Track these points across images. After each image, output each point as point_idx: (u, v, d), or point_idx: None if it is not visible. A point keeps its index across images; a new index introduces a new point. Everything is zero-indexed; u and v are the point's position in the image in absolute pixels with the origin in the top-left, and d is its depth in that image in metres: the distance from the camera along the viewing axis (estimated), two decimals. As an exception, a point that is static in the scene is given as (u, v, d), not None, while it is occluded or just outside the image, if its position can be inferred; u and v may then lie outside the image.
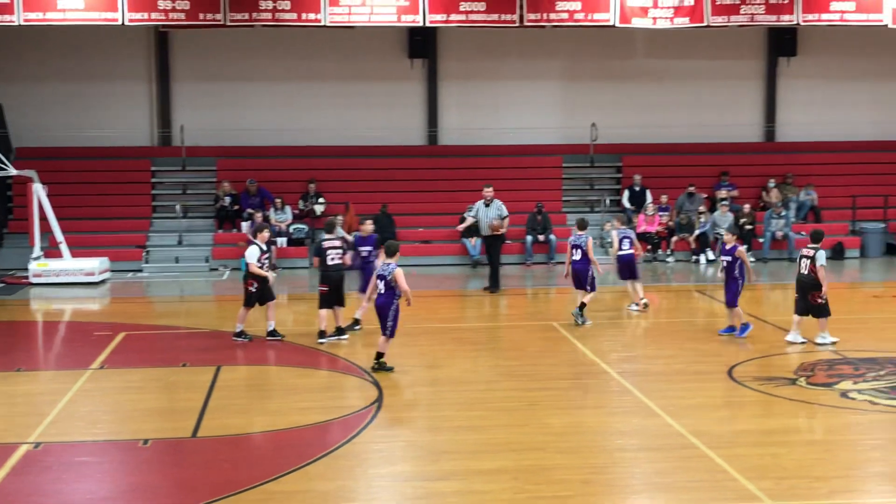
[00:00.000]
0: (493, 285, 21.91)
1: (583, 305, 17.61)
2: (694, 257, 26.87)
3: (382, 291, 14.09)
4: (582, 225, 18.18)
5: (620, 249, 18.90)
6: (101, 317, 20.60)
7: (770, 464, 10.22)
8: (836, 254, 27.14)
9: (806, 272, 15.68)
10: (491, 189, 22.35)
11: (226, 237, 26.71)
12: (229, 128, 28.90)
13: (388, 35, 29.20)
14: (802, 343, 15.75)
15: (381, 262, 14.90)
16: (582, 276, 17.88)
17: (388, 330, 14.12)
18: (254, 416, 12.20)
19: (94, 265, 23.68)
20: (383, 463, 10.49)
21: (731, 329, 16.46)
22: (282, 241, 26.00)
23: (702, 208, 27.47)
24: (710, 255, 26.72)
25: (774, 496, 9.28)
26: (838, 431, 11.66)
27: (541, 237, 26.75)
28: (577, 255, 17.91)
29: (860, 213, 28.46)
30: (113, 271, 24.60)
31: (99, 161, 28.34)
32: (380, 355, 14.23)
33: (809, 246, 15.76)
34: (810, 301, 15.67)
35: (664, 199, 27.81)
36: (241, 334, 16.39)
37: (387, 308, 14.08)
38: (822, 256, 15.54)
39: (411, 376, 14.22)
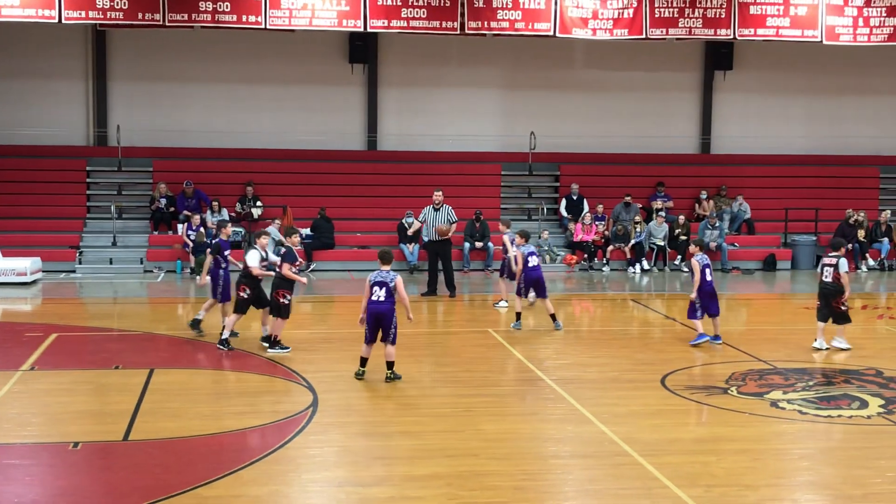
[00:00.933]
0: (450, 288, 22.16)
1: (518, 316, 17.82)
2: (629, 267, 27.13)
3: (383, 299, 13.70)
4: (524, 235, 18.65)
5: (526, 265, 18.63)
6: (33, 317, 20.30)
7: (700, 472, 10.33)
8: (768, 265, 27.56)
9: (830, 280, 16.33)
10: (440, 194, 22.50)
11: (161, 239, 26.47)
12: (166, 128, 28.67)
13: (328, 39, 29.16)
14: (826, 349, 16.32)
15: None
16: (533, 285, 18.46)
17: (392, 337, 13.79)
18: (187, 419, 12.09)
19: (26, 265, 23.34)
20: (317, 468, 10.45)
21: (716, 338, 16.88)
22: (218, 244, 25.77)
23: (637, 218, 27.75)
24: (645, 265, 27.00)
25: (704, 504, 9.39)
26: (768, 440, 11.83)
27: (478, 244, 26.85)
28: (534, 262, 18.51)
29: (792, 225, 28.91)
30: (45, 272, 24.27)
31: (33, 160, 27.98)
32: (391, 364, 13.89)
33: (831, 255, 16.46)
34: (834, 308, 16.28)
35: (600, 208, 28.04)
36: (225, 342, 15.85)
37: (390, 315, 13.69)
38: (844, 264, 16.24)
39: (347, 381, 14.18)
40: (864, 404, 13.07)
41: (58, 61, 28.64)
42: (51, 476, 10.24)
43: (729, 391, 13.74)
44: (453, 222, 22.30)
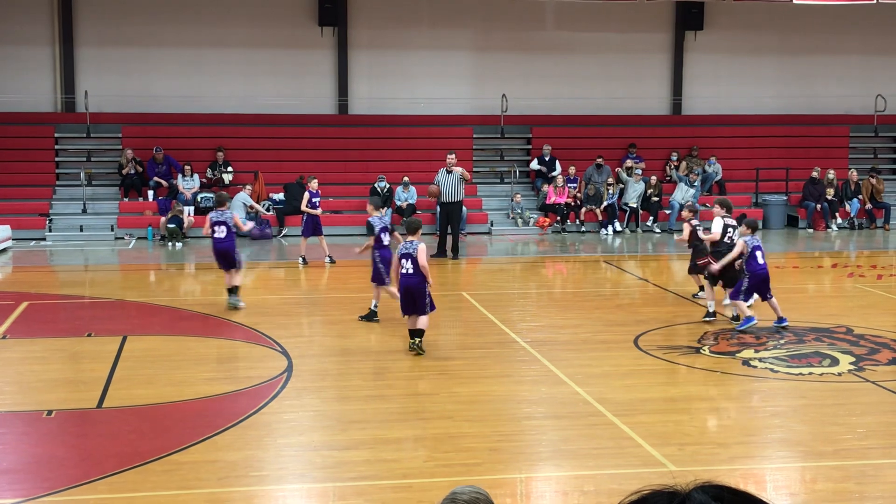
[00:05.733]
0: (454, 251, 22.27)
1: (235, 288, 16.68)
2: (602, 229, 27.19)
3: (412, 271, 13.35)
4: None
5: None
6: (3, 286, 20.16)
7: (673, 431, 10.42)
8: (739, 225, 27.69)
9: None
10: (454, 157, 22.75)
11: (131, 206, 26.30)
12: (135, 94, 28.40)
13: (297, 2, 28.93)
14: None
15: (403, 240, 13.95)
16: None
17: (430, 307, 13.50)
18: (160, 386, 12.07)
19: (-5, 233, 23.16)
20: (292, 433, 10.47)
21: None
22: (189, 210, 25.66)
23: (610, 180, 27.79)
24: (618, 227, 27.08)
25: (677, 462, 9.47)
26: (740, 399, 11.94)
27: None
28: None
29: (763, 185, 29.04)
30: (15, 240, 24.08)
31: (0, 127, 27.67)
32: (420, 333, 13.45)
33: (745, 233, 15.77)
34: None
35: (572, 170, 28.06)
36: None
37: (422, 287, 13.33)
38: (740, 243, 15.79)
39: (320, 346, 14.19)
40: (835, 362, 13.20)
41: (24, 27, 28.28)
42: (25, 444, 10.22)
43: (701, 350, 13.84)
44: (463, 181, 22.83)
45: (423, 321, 13.48)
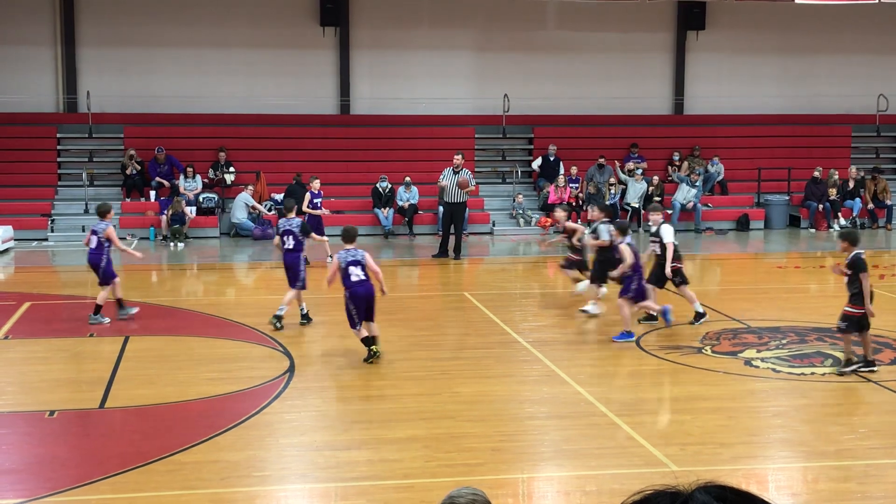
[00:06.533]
0: (456, 251, 22.23)
1: None
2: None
3: (365, 277, 13.11)
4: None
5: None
6: (6, 286, 20.17)
7: (676, 431, 10.43)
8: (742, 225, 27.70)
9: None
10: (461, 157, 22.77)
11: (133, 206, 26.30)
12: (137, 94, 28.41)
13: (299, 2, 28.94)
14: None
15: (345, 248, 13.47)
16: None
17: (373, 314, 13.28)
18: (163, 386, 12.08)
19: (-2, 234, 23.16)
20: (294, 433, 10.47)
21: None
22: (191, 211, 25.67)
23: (612, 180, 27.78)
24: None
25: (679, 462, 9.47)
26: (742, 399, 11.93)
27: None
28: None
29: (765, 185, 29.02)
30: (17, 240, 24.08)
31: (2, 127, 27.67)
32: (376, 338, 13.27)
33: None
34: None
35: (574, 170, 28.05)
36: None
37: (373, 294, 13.15)
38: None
39: (323, 347, 14.19)
40: (837, 362, 13.19)
41: (26, 27, 28.29)
42: (28, 444, 10.23)
43: (703, 350, 13.83)
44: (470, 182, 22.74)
45: (375, 327, 13.27)
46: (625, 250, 14.51)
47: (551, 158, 28.59)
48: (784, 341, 14.39)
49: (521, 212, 27.13)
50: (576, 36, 30.55)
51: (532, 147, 29.79)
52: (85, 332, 14.81)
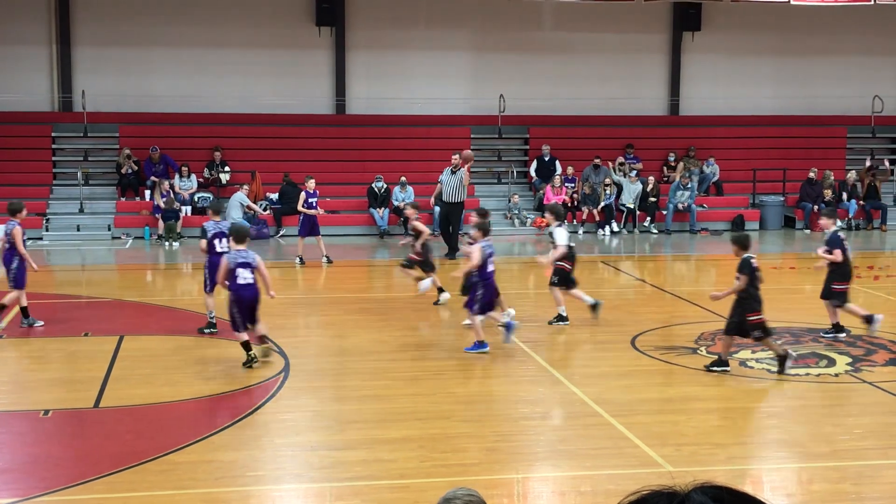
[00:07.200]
0: (452, 251, 22.46)
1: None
2: (599, 229, 27.18)
3: (252, 281, 12.69)
4: None
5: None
6: None
7: (671, 431, 10.42)
8: (737, 226, 27.70)
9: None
10: (458, 157, 22.76)
11: (128, 205, 26.27)
12: (132, 93, 28.37)
13: (294, 2, 28.91)
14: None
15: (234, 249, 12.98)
16: None
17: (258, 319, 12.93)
18: (157, 386, 12.06)
19: (-8, 233, 23.08)
20: (289, 433, 10.46)
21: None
22: (186, 210, 25.65)
23: (607, 180, 27.78)
24: (615, 227, 27.08)
25: (675, 462, 9.47)
26: (737, 399, 11.94)
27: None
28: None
29: (760, 186, 29.04)
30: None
31: (-3, 126, 27.65)
32: (250, 345, 12.82)
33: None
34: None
35: (570, 170, 28.06)
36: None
37: (258, 298, 12.81)
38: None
39: (318, 346, 14.18)
40: (832, 362, 13.21)
41: (21, 26, 28.24)
42: (21, 443, 10.21)
43: (698, 351, 13.83)
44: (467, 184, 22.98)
45: (262, 327, 12.93)
46: (474, 251, 13.78)
47: (546, 158, 28.59)
48: (779, 342, 14.38)
49: (516, 212, 27.12)
50: (572, 37, 30.56)
51: (528, 147, 29.80)
52: (80, 332, 14.78)
